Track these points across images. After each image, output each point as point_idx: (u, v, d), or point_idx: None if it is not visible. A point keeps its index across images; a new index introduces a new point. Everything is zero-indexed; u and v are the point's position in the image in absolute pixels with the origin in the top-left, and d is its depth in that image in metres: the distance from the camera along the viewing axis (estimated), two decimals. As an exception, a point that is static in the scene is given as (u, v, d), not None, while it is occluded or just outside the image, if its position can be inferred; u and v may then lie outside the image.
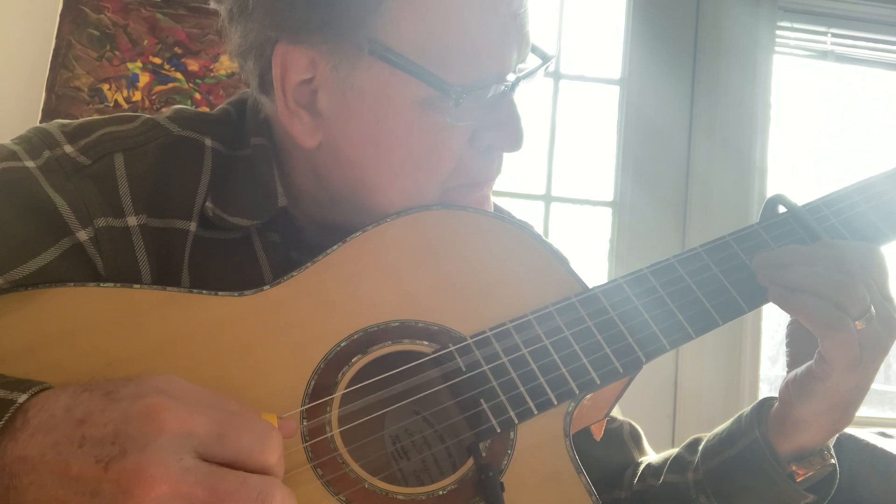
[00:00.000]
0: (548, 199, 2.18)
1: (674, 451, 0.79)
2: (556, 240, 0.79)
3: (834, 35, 2.30)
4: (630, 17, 2.22)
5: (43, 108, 1.84)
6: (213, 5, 0.66)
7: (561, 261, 0.67)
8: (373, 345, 0.58)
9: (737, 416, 0.74)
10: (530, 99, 0.66)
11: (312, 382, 0.55)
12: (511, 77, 0.62)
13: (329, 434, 0.54)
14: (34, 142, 0.62)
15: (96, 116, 0.67)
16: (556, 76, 2.22)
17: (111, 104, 1.88)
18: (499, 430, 0.56)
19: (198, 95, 1.94)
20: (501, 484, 0.54)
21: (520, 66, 0.64)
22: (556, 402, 0.58)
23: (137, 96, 1.91)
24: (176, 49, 1.94)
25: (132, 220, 0.61)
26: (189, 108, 0.72)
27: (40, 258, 0.56)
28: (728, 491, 0.71)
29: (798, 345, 0.69)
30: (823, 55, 2.30)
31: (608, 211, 2.19)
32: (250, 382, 0.54)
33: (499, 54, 0.61)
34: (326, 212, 0.68)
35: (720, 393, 2.07)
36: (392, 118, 0.61)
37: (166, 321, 0.55)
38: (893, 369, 2.36)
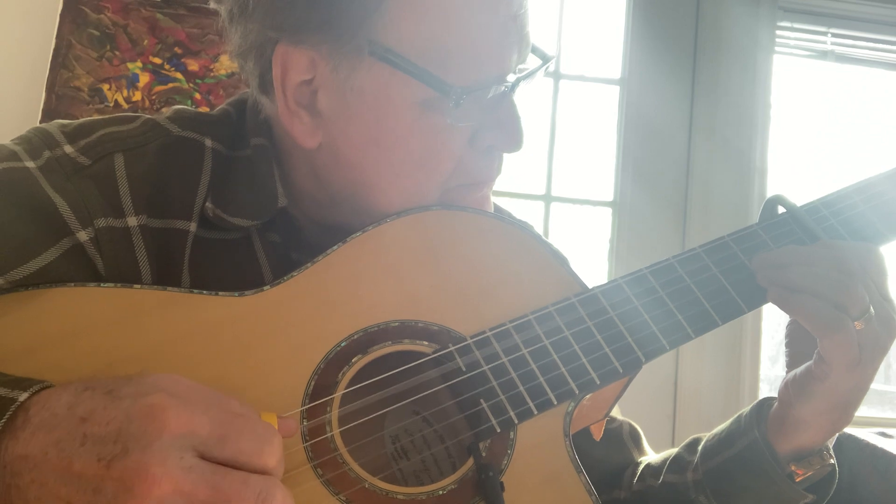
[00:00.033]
0: (548, 199, 2.18)
1: (673, 451, 0.79)
2: (556, 240, 0.79)
3: (834, 35, 2.30)
4: (630, 17, 2.22)
5: (43, 108, 1.84)
6: (213, 6, 0.66)
7: (561, 261, 0.67)
8: (373, 345, 0.58)
9: (736, 416, 0.74)
10: (530, 99, 0.66)
11: (312, 382, 0.55)
12: (511, 78, 0.62)
13: (329, 434, 0.54)
14: (34, 142, 0.62)
15: (96, 116, 0.67)
16: (556, 76, 2.22)
17: (111, 104, 1.89)
18: (499, 430, 0.57)
19: (198, 95, 1.94)
20: (501, 484, 0.54)
21: (520, 66, 0.64)
22: (555, 402, 0.58)
23: (137, 96, 1.91)
24: (176, 49, 1.94)
25: (132, 221, 0.61)
26: (189, 108, 0.72)
27: (41, 258, 0.57)
28: (727, 491, 0.71)
29: (797, 345, 0.69)
30: (823, 55, 2.30)
31: (608, 211, 2.19)
32: (250, 382, 0.54)
33: (499, 55, 0.61)
34: (326, 212, 0.68)
35: (720, 393, 2.07)
36: (392, 119, 0.61)
37: (166, 321, 0.56)
38: (893, 369, 2.36)
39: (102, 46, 1.90)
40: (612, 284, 0.65)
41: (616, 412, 0.86)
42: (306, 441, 0.53)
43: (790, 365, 0.69)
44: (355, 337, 0.58)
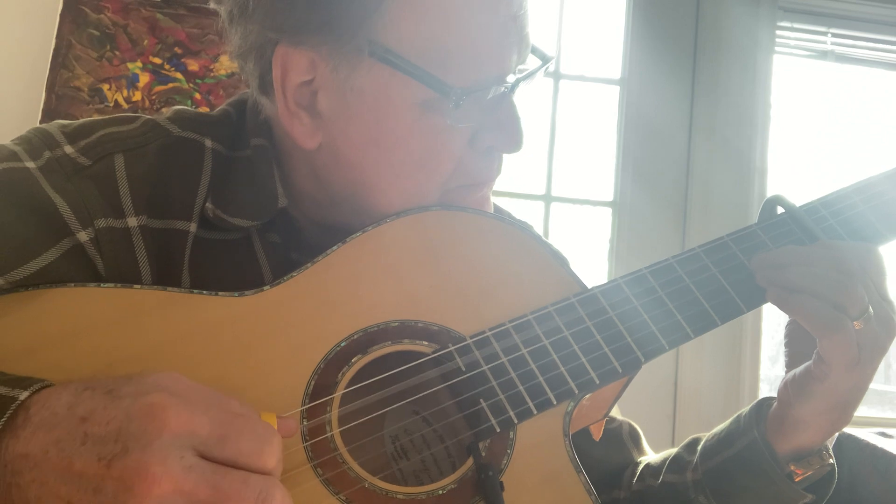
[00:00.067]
0: (548, 199, 2.18)
1: (673, 450, 0.79)
2: (556, 240, 0.79)
3: (834, 35, 2.30)
4: (630, 17, 2.22)
5: (43, 108, 1.84)
6: (213, 6, 0.66)
7: (560, 261, 0.67)
8: (373, 345, 0.58)
9: (735, 416, 0.74)
10: (530, 99, 0.66)
11: (312, 382, 0.56)
12: (511, 78, 0.63)
13: (329, 434, 0.54)
14: (34, 142, 0.62)
15: (96, 117, 0.67)
16: (556, 76, 2.22)
17: (111, 104, 1.89)
18: (498, 430, 0.57)
19: (198, 95, 1.95)
20: (501, 483, 0.54)
21: (520, 67, 0.64)
22: (555, 402, 0.58)
23: (137, 96, 1.91)
24: (176, 49, 1.94)
25: (132, 221, 0.61)
26: (189, 108, 0.72)
27: (41, 259, 0.57)
28: (727, 491, 0.72)
29: (797, 345, 0.69)
30: (823, 55, 2.30)
31: (608, 211, 2.19)
32: (250, 382, 0.54)
33: (499, 56, 0.61)
34: (326, 212, 0.69)
35: (720, 393, 2.07)
36: (392, 119, 0.61)
37: (167, 321, 0.56)
38: (893, 369, 2.36)
39: (102, 46, 1.90)
40: (612, 284, 0.65)
41: (616, 412, 0.86)
42: (306, 441, 0.53)
43: (789, 365, 0.69)
44: (355, 337, 0.58)
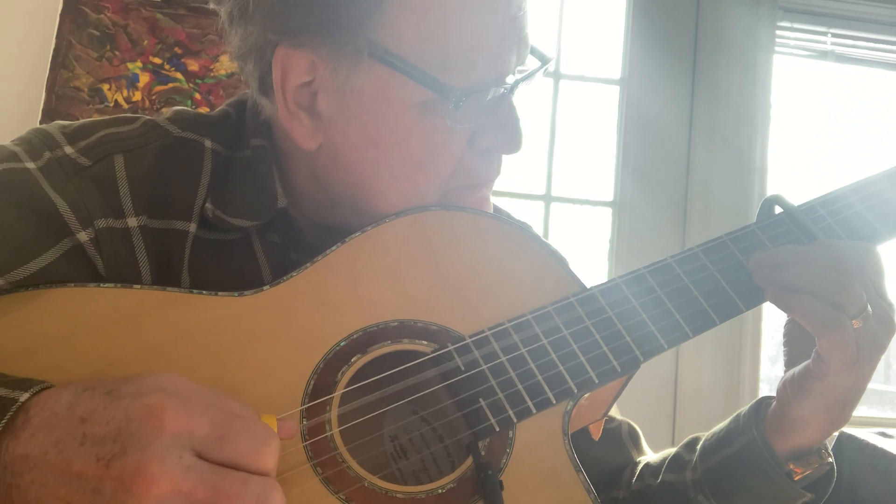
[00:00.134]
0: (548, 199, 2.18)
1: (672, 450, 0.79)
2: (556, 240, 0.79)
3: (834, 35, 2.30)
4: (630, 17, 2.22)
5: (43, 108, 1.84)
6: (213, 7, 0.66)
7: (559, 261, 0.67)
8: (372, 344, 0.59)
9: (734, 415, 0.74)
10: (530, 99, 0.67)
11: (312, 382, 0.56)
12: (510, 79, 0.63)
13: (329, 433, 0.54)
14: (34, 143, 0.62)
15: (96, 117, 0.67)
16: (556, 76, 2.22)
17: (111, 104, 1.89)
18: (497, 429, 0.57)
19: (198, 95, 1.95)
20: (500, 482, 0.54)
21: (519, 68, 0.64)
22: (554, 401, 0.58)
23: (137, 96, 1.91)
24: (176, 49, 1.94)
25: (132, 221, 0.61)
26: (189, 109, 0.72)
27: (41, 259, 0.57)
28: (726, 490, 0.72)
29: (796, 344, 0.69)
30: (823, 55, 2.30)
31: (608, 211, 2.19)
32: (250, 382, 0.54)
33: (498, 57, 0.61)
34: (326, 213, 0.69)
35: (720, 393, 2.07)
36: (391, 120, 0.61)
37: (166, 321, 0.56)
38: (893, 369, 2.36)
39: (102, 46, 1.90)
40: (611, 284, 0.65)
41: (615, 412, 0.86)
42: (306, 440, 0.53)
43: (788, 364, 0.70)
44: (354, 336, 0.58)
